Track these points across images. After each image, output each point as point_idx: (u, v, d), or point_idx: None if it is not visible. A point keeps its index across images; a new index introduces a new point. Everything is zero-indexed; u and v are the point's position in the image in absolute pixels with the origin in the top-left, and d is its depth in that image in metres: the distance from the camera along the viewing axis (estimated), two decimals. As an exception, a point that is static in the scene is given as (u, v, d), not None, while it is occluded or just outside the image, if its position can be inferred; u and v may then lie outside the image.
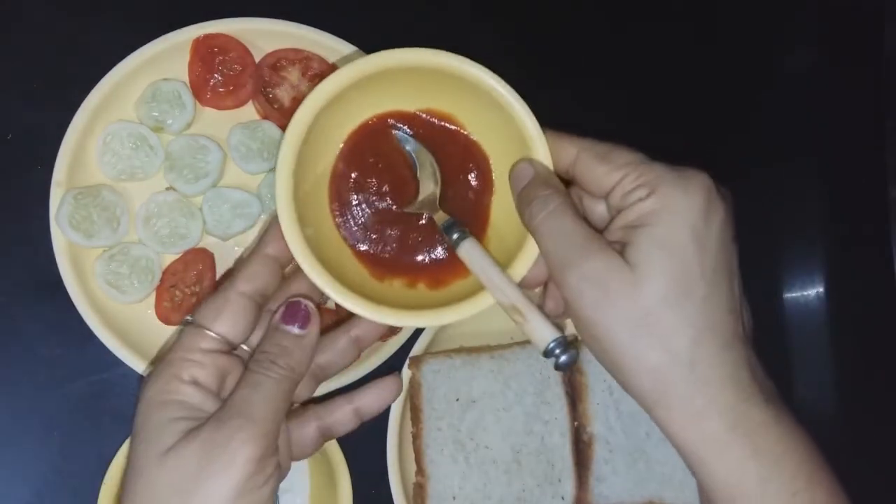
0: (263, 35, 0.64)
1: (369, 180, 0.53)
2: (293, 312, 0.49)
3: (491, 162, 0.53)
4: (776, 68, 0.71)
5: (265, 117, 0.65)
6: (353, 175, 0.53)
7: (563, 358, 0.46)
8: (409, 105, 0.53)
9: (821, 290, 0.71)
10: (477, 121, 0.53)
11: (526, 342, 0.64)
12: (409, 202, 0.53)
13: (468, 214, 0.53)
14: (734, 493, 0.45)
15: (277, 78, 0.64)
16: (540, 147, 0.50)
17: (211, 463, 0.44)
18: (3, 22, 0.65)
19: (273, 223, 0.50)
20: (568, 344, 0.47)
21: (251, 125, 0.64)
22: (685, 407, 0.44)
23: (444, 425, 0.62)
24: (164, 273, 0.63)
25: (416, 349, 0.64)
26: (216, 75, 0.64)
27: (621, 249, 0.45)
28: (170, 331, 0.63)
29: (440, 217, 0.51)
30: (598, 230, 0.47)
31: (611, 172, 0.46)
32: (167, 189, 0.63)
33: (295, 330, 0.49)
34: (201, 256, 0.63)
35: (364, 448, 0.63)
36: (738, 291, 0.46)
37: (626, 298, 0.44)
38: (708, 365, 0.44)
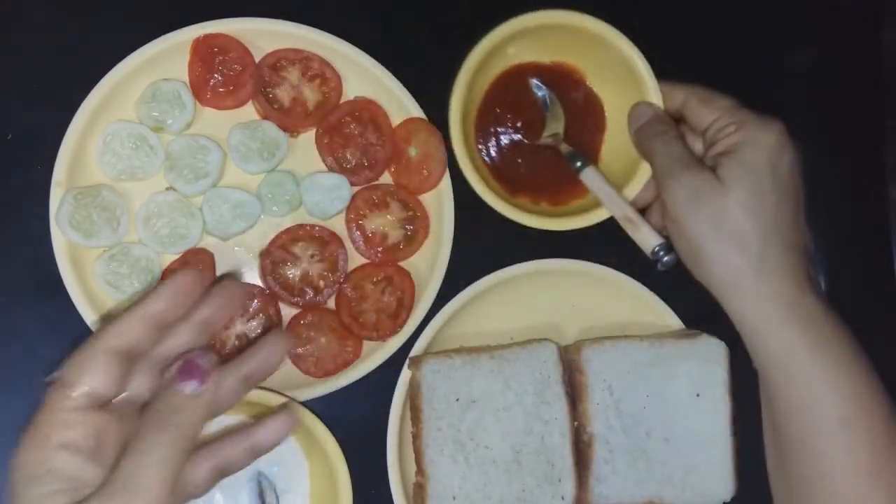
0: (263, 35, 0.64)
1: (508, 116, 0.66)
2: (189, 369, 0.45)
3: (605, 107, 0.67)
4: (776, 68, 0.71)
5: (265, 117, 0.65)
6: (496, 111, 0.66)
7: (667, 258, 0.61)
8: (543, 57, 0.67)
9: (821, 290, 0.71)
10: (597, 72, 0.67)
11: (526, 342, 0.64)
12: (536, 137, 0.66)
13: (583, 149, 0.66)
14: (786, 365, 0.56)
15: (277, 78, 0.64)
16: (655, 92, 0.63)
17: None
18: (3, 22, 0.65)
19: (160, 285, 0.47)
20: (670, 248, 0.61)
21: (251, 125, 0.64)
22: (752, 292, 0.56)
23: (444, 425, 0.62)
24: (164, 273, 0.63)
25: (416, 349, 0.64)
26: (216, 75, 0.64)
27: (713, 171, 0.58)
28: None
29: (565, 148, 0.65)
30: None
31: (710, 113, 0.60)
32: (167, 189, 0.63)
33: (190, 389, 0.45)
34: (201, 256, 0.63)
35: (364, 448, 0.63)
36: (801, 216, 0.59)
37: (713, 203, 0.56)
38: (774, 261, 0.56)
